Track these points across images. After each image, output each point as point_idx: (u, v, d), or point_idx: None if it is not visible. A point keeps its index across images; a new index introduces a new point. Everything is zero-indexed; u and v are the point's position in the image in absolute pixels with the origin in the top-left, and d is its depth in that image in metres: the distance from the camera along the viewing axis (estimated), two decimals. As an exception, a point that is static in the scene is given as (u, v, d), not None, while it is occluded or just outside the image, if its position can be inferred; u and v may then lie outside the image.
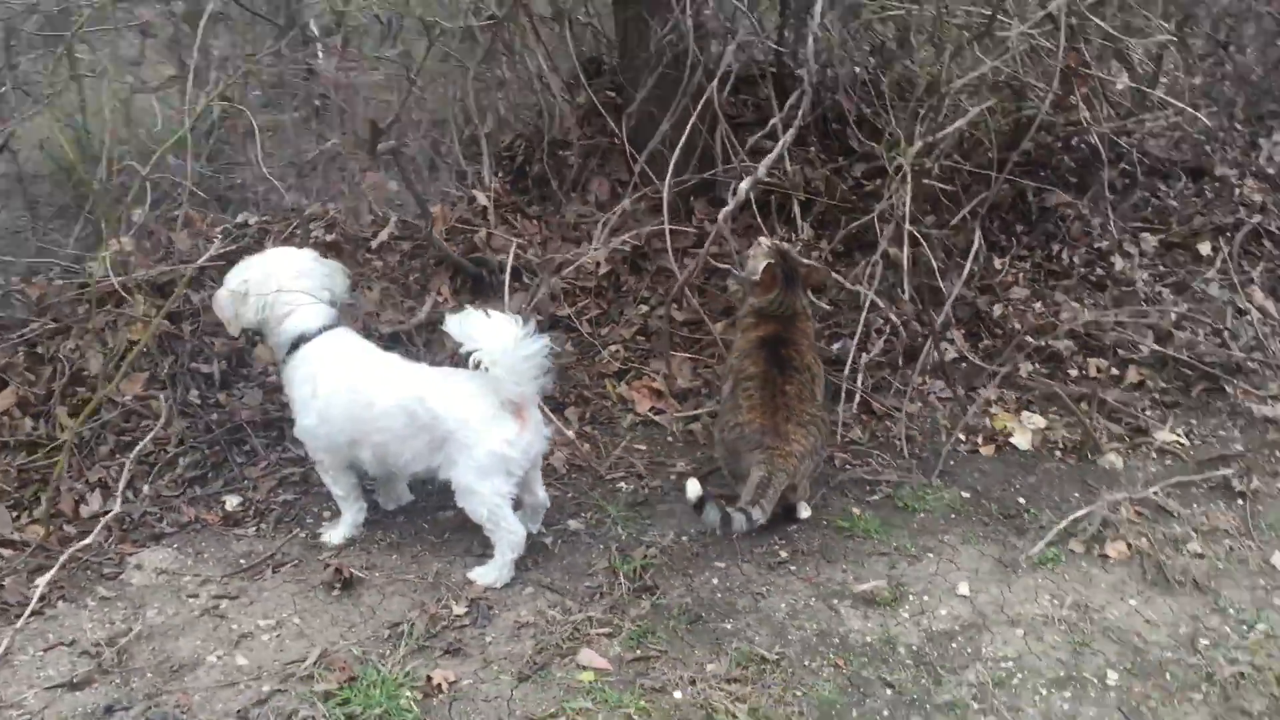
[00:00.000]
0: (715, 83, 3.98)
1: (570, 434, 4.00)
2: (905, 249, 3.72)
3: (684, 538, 3.63)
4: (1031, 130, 4.04)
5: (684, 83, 4.05)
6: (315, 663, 3.08)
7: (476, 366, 3.23)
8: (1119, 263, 5.17)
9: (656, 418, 4.27)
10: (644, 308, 4.57)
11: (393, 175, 4.42)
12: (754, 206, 4.39)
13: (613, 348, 4.46)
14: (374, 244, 4.52)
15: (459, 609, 3.30)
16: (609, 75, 5.03)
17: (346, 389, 3.44)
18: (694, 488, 3.37)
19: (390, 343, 4.12)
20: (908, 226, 3.65)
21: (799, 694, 2.98)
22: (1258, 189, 5.76)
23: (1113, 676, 3.03)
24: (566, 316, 4.50)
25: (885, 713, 2.93)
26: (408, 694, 2.97)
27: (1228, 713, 2.92)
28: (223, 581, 3.45)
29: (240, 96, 4.50)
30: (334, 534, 3.62)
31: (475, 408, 3.29)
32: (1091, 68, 4.19)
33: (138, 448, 3.77)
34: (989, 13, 3.70)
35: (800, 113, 3.70)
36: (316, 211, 4.55)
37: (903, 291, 3.98)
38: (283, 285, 3.49)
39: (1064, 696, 2.97)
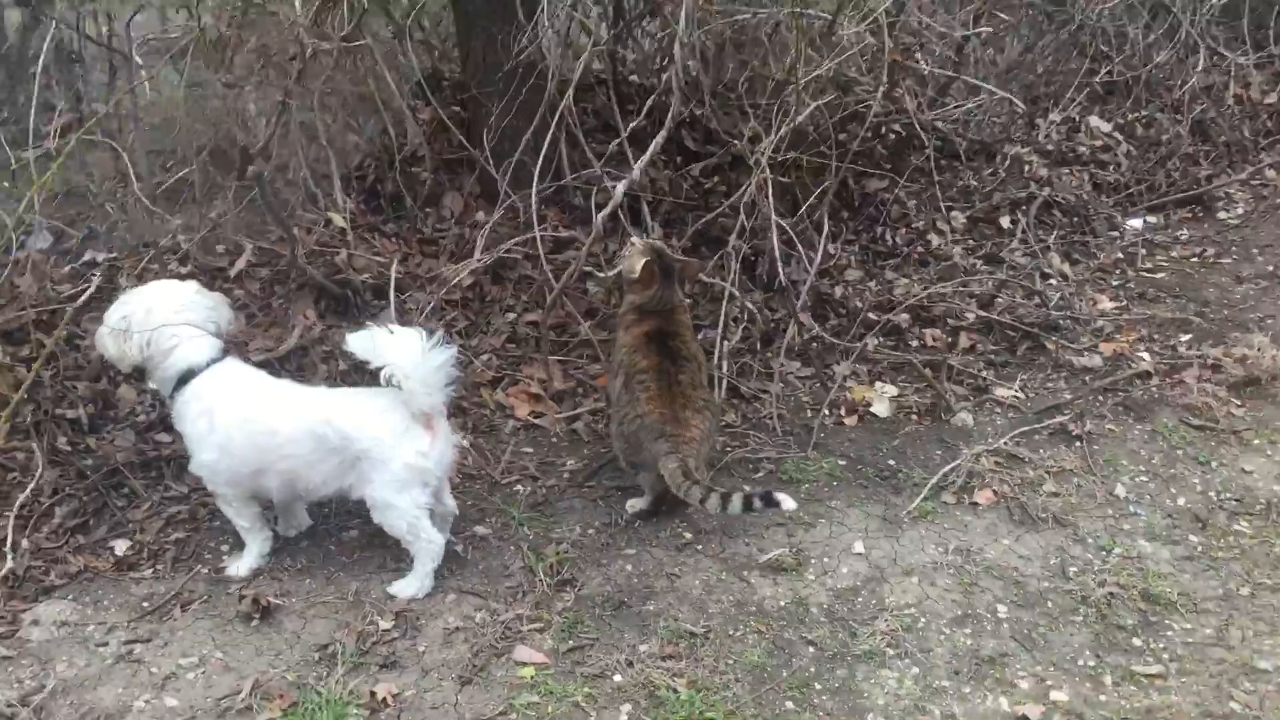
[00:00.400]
0: (571, 91, 4.12)
1: (464, 443, 4.07)
2: (774, 238, 3.96)
3: (590, 531, 3.76)
4: (867, 122, 4.36)
5: (546, 93, 4.16)
6: (250, 694, 3.08)
7: (387, 382, 3.28)
8: (935, 240, 5.61)
9: (537, 420, 4.39)
10: (511, 315, 4.67)
11: (251, 202, 4.36)
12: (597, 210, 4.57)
13: (484, 356, 4.54)
14: (232, 273, 4.46)
15: (385, 623, 3.34)
16: (451, 90, 5.10)
17: (245, 419, 3.42)
18: (633, 505, 3.81)
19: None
20: (775, 218, 3.89)
21: (730, 662, 3.17)
22: (1042, 164, 6.33)
23: (1002, 610, 3.35)
24: (436, 329, 4.54)
25: (812, 669, 3.15)
26: (354, 711, 3.01)
27: (1106, 629, 3.27)
28: (130, 626, 3.37)
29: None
30: (240, 565, 3.58)
31: (386, 423, 3.34)
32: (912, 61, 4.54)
33: (18, 500, 3.63)
34: (829, 15, 3.99)
35: (671, 115, 3.90)
36: (168, 245, 4.45)
37: (763, 279, 4.22)
38: (166, 320, 3.44)
39: (965, 633, 3.26)
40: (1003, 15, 6.19)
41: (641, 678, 3.11)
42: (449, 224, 4.85)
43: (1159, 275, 5.63)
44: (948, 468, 3.92)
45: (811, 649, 3.22)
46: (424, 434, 3.36)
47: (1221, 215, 6.40)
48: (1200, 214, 6.42)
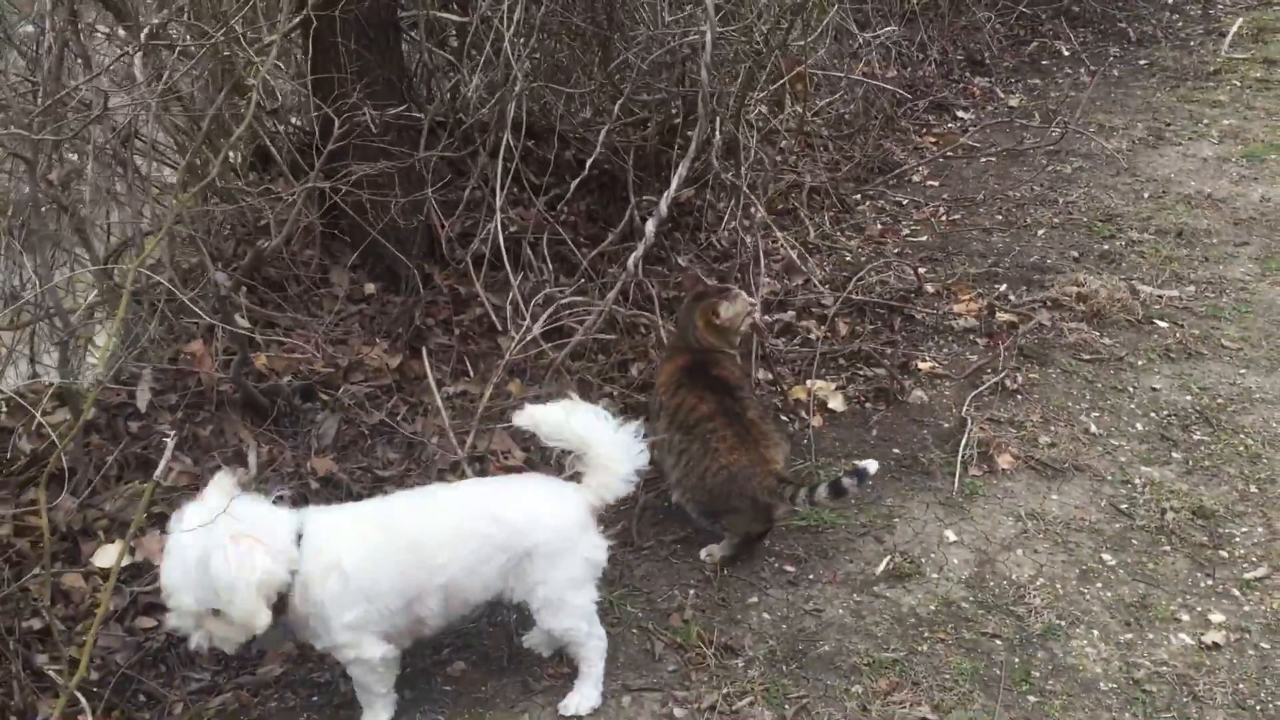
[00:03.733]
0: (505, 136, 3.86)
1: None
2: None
3: (691, 591, 3.58)
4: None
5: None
6: None
7: (567, 464, 2.98)
8: (748, 239, 5.79)
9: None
10: (448, 389, 4.25)
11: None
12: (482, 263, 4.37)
13: (434, 439, 4.10)
14: (141, 407, 3.66)
15: (580, 752, 3.00)
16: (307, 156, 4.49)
17: (376, 546, 2.89)
18: (710, 553, 3.69)
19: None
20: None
21: (947, 676, 3.20)
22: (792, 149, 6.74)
23: (1109, 558, 3.65)
24: (379, 422, 4.05)
25: (1016, 660, 3.26)
26: None
27: (1193, 550, 3.68)
28: None
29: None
30: None
31: (563, 513, 2.98)
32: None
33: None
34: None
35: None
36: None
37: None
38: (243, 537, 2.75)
39: (1098, 588, 3.53)
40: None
41: (887, 716, 3.06)
42: (343, 304, 4.30)
43: (923, 238, 6.21)
44: (963, 443, 4.13)
45: (999, 642, 3.32)
46: (594, 524, 3.04)
47: (915, 180, 7.15)
48: (894, 183, 7.12)
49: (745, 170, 4.72)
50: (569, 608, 3.03)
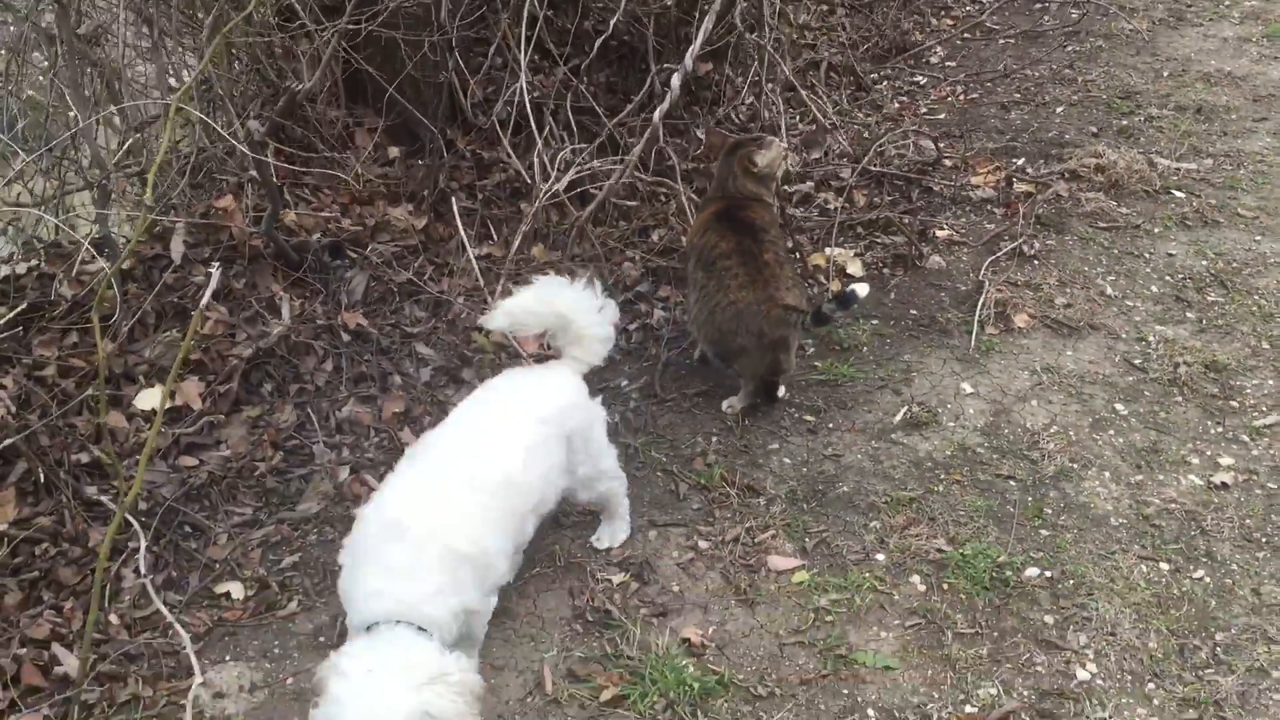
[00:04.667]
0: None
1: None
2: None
3: (714, 438, 3.68)
4: None
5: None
6: (559, 681, 2.79)
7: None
8: (765, 114, 5.80)
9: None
10: (475, 251, 4.31)
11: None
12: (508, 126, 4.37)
13: (460, 298, 4.18)
14: (176, 260, 3.74)
15: (618, 577, 3.13)
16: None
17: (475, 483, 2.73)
18: (730, 405, 3.78)
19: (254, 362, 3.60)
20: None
21: (962, 513, 3.32)
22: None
23: (1121, 408, 3.74)
24: (407, 281, 4.13)
25: (1029, 499, 3.37)
26: (684, 661, 2.83)
27: (1204, 400, 3.76)
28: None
29: None
30: None
31: (576, 389, 3.07)
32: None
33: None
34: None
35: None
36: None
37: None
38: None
39: (1110, 435, 3.63)
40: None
41: (904, 547, 3.18)
42: (367, 165, 4.34)
43: (940, 115, 6.21)
44: (980, 302, 4.20)
45: (1013, 482, 3.43)
46: None
47: (933, 60, 7.12)
48: (911, 64, 7.09)
49: (770, 32, 4.68)
50: (605, 473, 3.12)
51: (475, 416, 2.93)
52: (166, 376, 3.53)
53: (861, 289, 3.52)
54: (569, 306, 3.03)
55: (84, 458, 3.26)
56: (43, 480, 3.13)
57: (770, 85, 5.32)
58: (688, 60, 3.94)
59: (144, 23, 3.96)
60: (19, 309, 3.26)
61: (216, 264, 3.02)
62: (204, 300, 2.54)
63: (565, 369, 3.10)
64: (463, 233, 3.99)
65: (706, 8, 4.24)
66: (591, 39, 4.94)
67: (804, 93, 5.47)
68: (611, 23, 4.28)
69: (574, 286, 3.05)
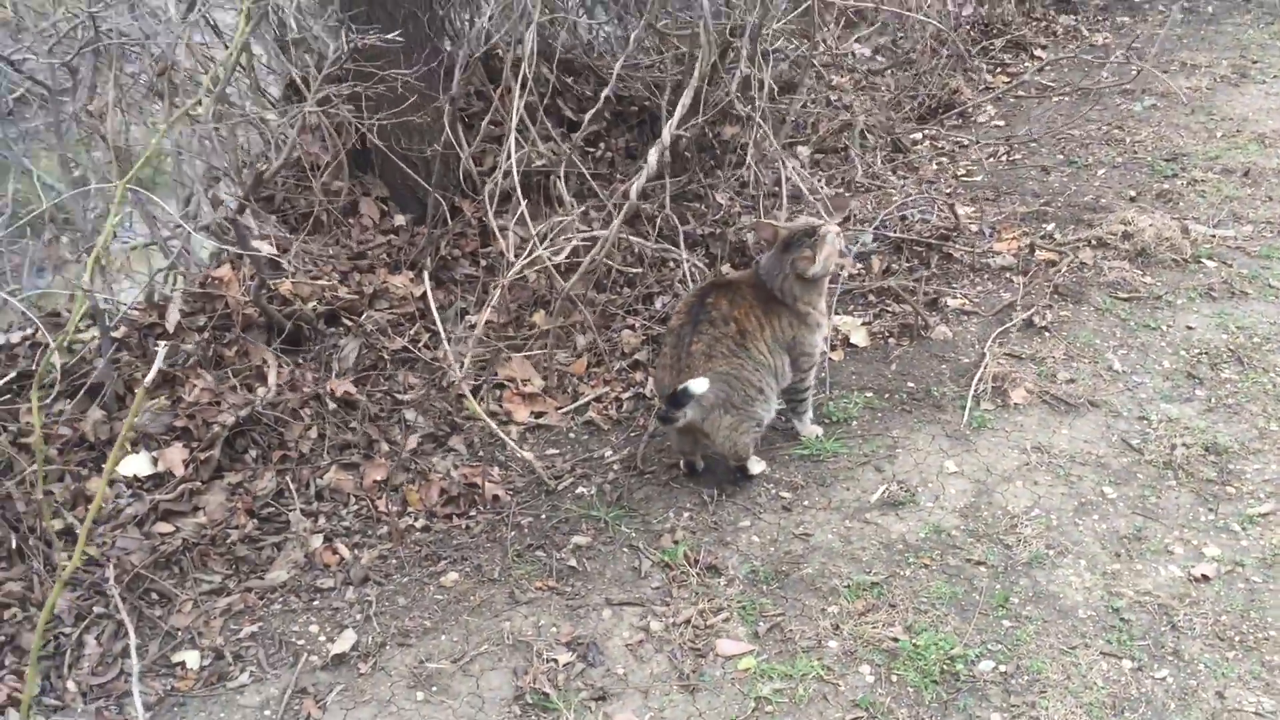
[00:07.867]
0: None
1: (527, 455, 3.82)
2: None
3: (685, 514, 3.65)
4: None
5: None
6: None
7: None
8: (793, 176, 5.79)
9: (540, 421, 4.17)
10: (470, 318, 4.38)
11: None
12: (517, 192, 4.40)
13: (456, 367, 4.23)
14: (170, 329, 3.87)
15: (564, 657, 3.12)
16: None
17: None
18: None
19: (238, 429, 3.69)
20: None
21: (924, 600, 3.22)
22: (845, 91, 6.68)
23: (1109, 491, 3.61)
24: (402, 349, 4.20)
25: (997, 586, 3.26)
26: (609, 752, 2.80)
27: (1199, 485, 3.61)
28: None
29: None
30: None
31: None
32: None
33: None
34: None
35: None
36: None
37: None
38: None
39: (1094, 520, 3.49)
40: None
41: (859, 634, 3.11)
42: (371, 233, 4.45)
43: (977, 178, 6.11)
44: (975, 378, 4.11)
45: (983, 568, 3.33)
46: None
47: (982, 120, 7.01)
48: (958, 123, 6.99)
49: (760, 102, 4.67)
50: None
51: None
52: (152, 443, 3.67)
53: (697, 385, 3.42)
54: None
55: (58, 524, 3.37)
56: (14, 547, 3.25)
57: (758, 155, 5.32)
58: (665, 134, 3.95)
59: (156, 95, 4.12)
60: (8, 378, 3.42)
61: (164, 344, 3.11)
62: (148, 379, 2.62)
63: None
64: (431, 300, 4.03)
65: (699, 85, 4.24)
66: (610, 103, 5.01)
67: (788, 164, 5.43)
68: (602, 94, 4.30)
69: None
